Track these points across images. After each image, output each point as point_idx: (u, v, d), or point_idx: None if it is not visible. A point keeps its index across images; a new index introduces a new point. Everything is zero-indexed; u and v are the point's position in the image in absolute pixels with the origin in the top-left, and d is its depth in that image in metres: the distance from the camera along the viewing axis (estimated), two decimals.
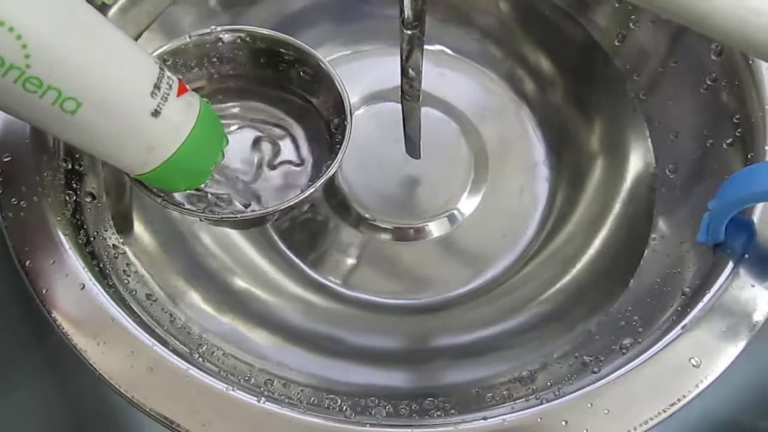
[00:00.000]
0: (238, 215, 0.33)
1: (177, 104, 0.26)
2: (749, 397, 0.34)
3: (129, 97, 0.24)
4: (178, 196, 0.33)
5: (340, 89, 0.33)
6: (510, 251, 0.40)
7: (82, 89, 0.23)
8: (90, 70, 0.23)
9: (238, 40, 0.34)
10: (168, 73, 0.26)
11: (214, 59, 0.34)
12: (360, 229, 0.40)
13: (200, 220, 0.35)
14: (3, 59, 0.21)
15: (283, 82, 0.36)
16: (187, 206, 0.33)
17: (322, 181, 0.31)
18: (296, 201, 0.31)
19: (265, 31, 0.34)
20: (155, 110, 0.25)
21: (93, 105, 0.23)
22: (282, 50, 0.34)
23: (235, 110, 0.37)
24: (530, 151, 0.43)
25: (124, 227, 0.33)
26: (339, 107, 0.33)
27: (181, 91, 0.27)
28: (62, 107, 0.23)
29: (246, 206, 0.34)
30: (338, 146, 0.32)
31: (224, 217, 0.33)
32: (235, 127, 0.37)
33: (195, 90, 0.28)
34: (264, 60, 0.35)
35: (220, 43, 0.34)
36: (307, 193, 0.31)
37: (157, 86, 0.25)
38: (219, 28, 0.33)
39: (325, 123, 0.35)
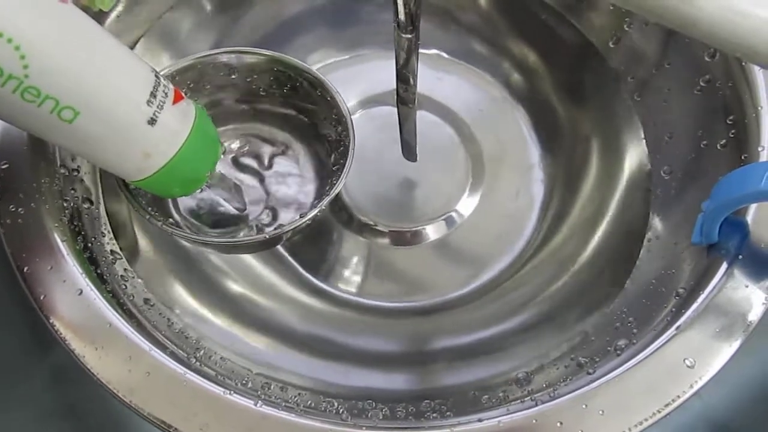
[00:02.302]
0: (246, 239, 0.33)
1: (173, 112, 0.26)
2: (747, 397, 0.34)
3: (126, 106, 0.25)
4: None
5: (343, 109, 0.33)
6: (507, 253, 0.40)
7: (80, 98, 0.23)
8: (87, 79, 0.23)
9: (237, 61, 0.34)
10: (164, 82, 0.26)
11: (216, 81, 0.35)
12: (357, 232, 0.41)
13: (206, 245, 0.35)
14: (2, 69, 0.21)
15: (284, 102, 0.36)
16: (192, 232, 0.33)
17: (327, 200, 0.31)
18: (302, 222, 0.31)
19: (267, 52, 0.34)
20: (151, 118, 0.25)
21: (90, 114, 0.24)
22: (284, 70, 0.34)
23: (234, 132, 0.37)
24: (526, 153, 0.43)
25: (122, 233, 0.33)
26: (341, 123, 0.33)
27: (177, 99, 0.27)
28: (60, 116, 0.23)
29: (241, 211, 0.35)
30: (341, 163, 0.33)
31: (236, 242, 0.33)
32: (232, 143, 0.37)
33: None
34: (265, 80, 0.35)
35: (221, 65, 0.34)
36: (312, 214, 0.31)
37: (153, 94, 0.25)
38: (220, 50, 0.34)
39: (326, 139, 0.36)
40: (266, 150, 0.37)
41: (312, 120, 0.36)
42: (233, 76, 0.35)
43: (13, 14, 0.21)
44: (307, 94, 0.35)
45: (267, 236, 0.32)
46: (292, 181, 0.37)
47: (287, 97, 0.36)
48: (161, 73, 0.32)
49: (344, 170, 0.32)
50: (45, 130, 0.24)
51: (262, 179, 0.37)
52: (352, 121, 0.33)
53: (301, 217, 0.31)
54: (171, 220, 0.33)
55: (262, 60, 0.34)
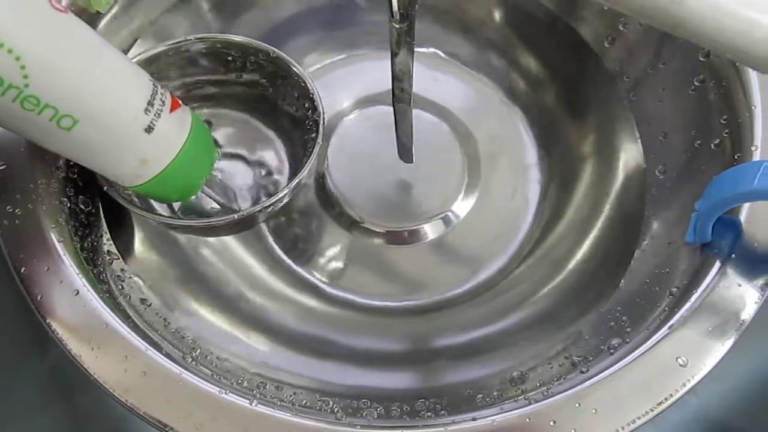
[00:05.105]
0: (222, 219, 0.33)
1: (170, 120, 0.27)
2: (743, 395, 0.34)
3: (124, 114, 0.25)
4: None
5: (318, 108, 0.33)
6: (503, 253, 0.40)
7: (79, 107, 0.24)
8: (86, 88, 0.24)
9: (213, 48, 0.34)
10: (161, 90, 0.27)
11: (189, 67, 0.35)
12: (354, 232, 0.41)
13: (170, 227, 0.35)
14: (2, 79, 0.21)
15: (258, 87, 0.36)
16: (162, 214, 0.34)
17: (298, 179, 0.32)
18: (274, 200, 0.32)
19: (238, 38, 0.34)
20: (149, 126, 0.26)
21: (88, 122, 0.24)
22: (254, 56, 0.35)
23: (210, 117, 0.38)
24: (522, 153, 0.43)
25: (119, 233, 0.34)
26: (312, 107, 0.34)
27: (174, 106, 0.27)
28: (59, 124, 0.23)
29: (236, 212, 0.35)
30: (312, 147, 0.33)
31: (213, 222, 0.33)
32: None
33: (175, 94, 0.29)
34: (237, 66, 0.35)
35: (195, 51, 0.34)
36: (283, 192, 0.32)
37: (150, 103, 0.26)
38: (193, 37, 0.34)
39: (302, 139, 0.36)
40: (238, 133, 0.38)
41: (280, 100, 0.36)
42: (200, 63, 0.35)
43: (13, 25, 0.21)
44: (272, 76, 0.35)
45: (240, 216, 0.32)
46: (267, 161, 0.37)
47: (254, 79, 0.36)
48: (141, 57, 0.33)
49: (314, 148, 0.32)
50: (44, 137, 0.24)
51: (243, 161, 0.37)
52: (320, 96, 0.33)
53: (272, 196, 0.32)
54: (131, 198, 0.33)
55: (223, 44, 0.34)
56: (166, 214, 0.35)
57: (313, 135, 0.34)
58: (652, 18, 0.21)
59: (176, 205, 0.35)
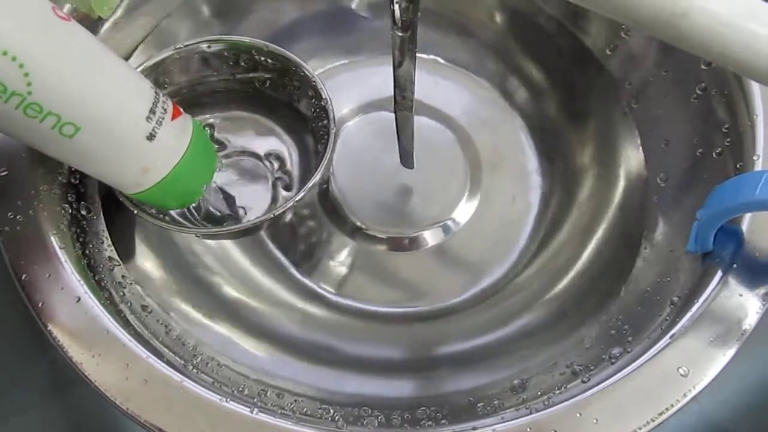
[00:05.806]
0: (229, 228, 0.33)
1: (171, 128, 0.27)
2: (745, 403, 0.34)
3: (125, 122, 0.25)
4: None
5: (323, 95, 0.33)
6: (503, 260, 0.40)
7: (81, 115, 0.24)
8: (89, 96, 0.24)
9: (220, 51, 0.34)
10: (163, 98, 0.27)
11: (197, 71, 0.35)
12: (355, 238, 0.41)
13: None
14: (5, 86, 0.21)
15: (267, 90, 0.36)
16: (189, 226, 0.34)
17: (308, 186, 0.31)
18: (282, 210, 0.31)
19: (247, 40, 0.34)
20: (150, 134, 0.26)
21: (91, 129, 0.24)
22: (264, 58, 0.34)
23: (214, 119, 0.37)
24: (523, 160, 0.43)
25: (120, 239, 0.34)
26: (323, 113, 0.33)
27: (176, 114, 0.28)
28: (61, 131, 0.24)
29: (237, 218, 0.35)
30: (323, 153, 0.33)
31: (220, 231, 0.33)
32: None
33: (174, 99, 0.29)
34: (246, 69, 0.35)
35: (203, 55, 0.34)
36: (294, 200, 0.31)
37: (152, 111, 0.26)
38: (200, 40, 0.34)
39: (310, 128, 0.36)
40: (246, 132, 0.37)
41: (296, 109, 0.36)
42: (216, 66, 0.35)
43: (17, 33, 0.21)
44: (289, 84, 0.35)
45: (249, 225, 0.32)
46: (278, 155, 0.37)
47: (269, 85, 0.36)
48: (148, 63, 0.33)
49: (329, 135, 0.32)
50: (46, 144, 0.25)
51: (255, 157, 0.37)
52: (323, 83, 0.33)
53: (290, 191, 0.32)
54: (162, 216, 0.33)
55: (244, 48, 0.34)
56: (191, 225, 0.34)
57: (324, 122, 0.33)
58: (654, 30, 0.21)
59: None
